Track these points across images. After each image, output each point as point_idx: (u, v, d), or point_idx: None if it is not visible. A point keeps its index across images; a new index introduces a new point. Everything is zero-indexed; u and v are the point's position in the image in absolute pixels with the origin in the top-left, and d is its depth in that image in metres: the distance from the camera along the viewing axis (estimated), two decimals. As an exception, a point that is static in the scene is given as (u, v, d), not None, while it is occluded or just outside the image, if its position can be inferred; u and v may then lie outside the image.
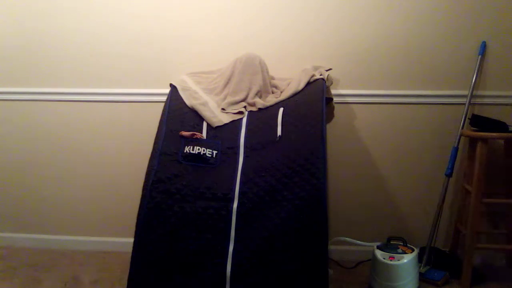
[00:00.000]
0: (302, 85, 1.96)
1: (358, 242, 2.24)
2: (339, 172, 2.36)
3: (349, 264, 2.29)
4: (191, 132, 1.79)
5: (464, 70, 2.24)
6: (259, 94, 2.01)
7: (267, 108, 1.90)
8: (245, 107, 1.93)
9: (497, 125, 2.03)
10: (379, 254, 1.97)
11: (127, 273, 1.58)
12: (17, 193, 2.54)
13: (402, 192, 2.35)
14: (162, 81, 2.36)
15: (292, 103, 1.88)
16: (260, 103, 1.92)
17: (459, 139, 2.19)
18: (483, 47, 2.20)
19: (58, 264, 2.29)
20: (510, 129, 2.04)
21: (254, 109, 1.92)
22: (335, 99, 2.27)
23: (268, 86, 2.07)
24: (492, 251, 2.28)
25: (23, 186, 2.53)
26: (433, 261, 2.16)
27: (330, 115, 2.31)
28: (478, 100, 2.25)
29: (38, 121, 2.47)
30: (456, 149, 2.18)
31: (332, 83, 2.22)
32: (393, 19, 2.24)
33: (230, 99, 1.96)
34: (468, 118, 2.18)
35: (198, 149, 1.73)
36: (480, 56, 2.20)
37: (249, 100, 1.96)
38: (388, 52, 2.26)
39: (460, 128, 2.19)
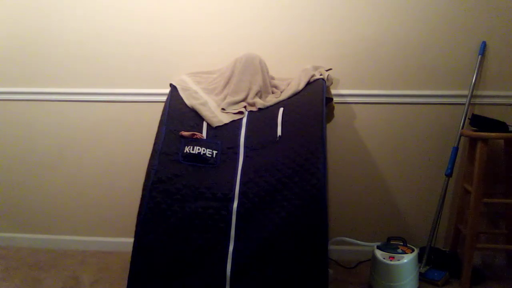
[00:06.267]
0: (302, 85, 1.96)
1: (358, 242, 2.24)
2: (339, 172, 2.36)
3: (349, 264, 2.29)
4: (191, 132, 1.79)
5: (464, 70, 2.24)
6: (259, 94, 2.00)
7: (267, 108, 1.90)
8: (245, 107, 1.93)
9: (497, 125, 2.03)
10: (379, 254, 1.97)
11: (127, 273, 1.58)
12: (17, 193, 2.54)
13: (402, 192, 2.35)
14: (162, 81, 2.37)
15: (292, 103, 1.88)
16: (260, 103, 1.92)
17: (459, 139, 2.19)
18: (483, 47, 2.20)
19: (58, 264, 2.29)
20: (510, 129, 2.04)
21: (254, 109, 1.92)
22: (335, 99, 2.27)
23: (268, 86, 2.07)
24: (492, 251, 2.28)
25: (23, 186, 2.53)
26: (433, 261, 2.16)
27: (330, 115, 2.31)
28: (478, 100, 2.25)
29: (38, 121, 2.47)
30: (456, 149, 2.18)
31: (332, 83, 2.23)
32: (393, 19, 2.24)
33: (230, 99, 1.96)
34: (468, 118, 2.18)
35: (198, 149, 1.73)
36: (480, 56, 2.20)
37: (249, 100, 1.96)
38: (388, 52, 2.27)
39: (460, 128, 2.19)
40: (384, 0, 2.23)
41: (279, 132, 1.75)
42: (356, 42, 2.27)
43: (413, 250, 1.98)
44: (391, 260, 1.92)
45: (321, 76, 1.99)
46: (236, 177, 1.66)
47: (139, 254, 1.58)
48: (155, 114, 2.35)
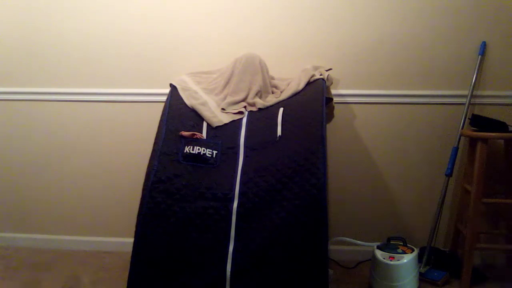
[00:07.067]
0: (302, 85, 1.96)
1: (358, 242, 2.24)
2: (339, 172, 2.36)
3: (349, 264, 2.29)
4: (191, 132, 1.79)
5: (464, 70, 2.24)
6: (259, 94, 2.01)
7: (267, 108, 1.90)
8: (245, 107, 1.93)
9: (497, 125, 2.03)
10: (379, 254, 1.97)
11: (127, 273, 1.58)
12: (17, 193, 2.54)
13: (402, 192, 2.35)
14: (162, 81, 2.37)
15: (292, 103, 1.88)
16: (260, 103, 1.92)
17: (459, 139, 2.19)
18: (483, 47, 2.20)
19: (58, 264, 2.29)
20: (510, 129, 2.04)
21: (254, 109, 1.92)
22: (335, 99, 2.27)
23: (268, 86, 2.07)
24: (492, 251, 2.28)
25: (23, 186, 2.53)
26: (433, 261, 2.16)
27: (330, 115, 2.31)
28: (478, 100, 2.25)
29: (38, 121, 2.47)
30: (456, 149, 2.18)
31: (332, 83, 2.23)
32: (393, 19, 2.24)
33: (230, 99, 1.96)
34: (468, 118, 2.18)
35: (198, 149, 1.73)
36: (480, 56, 2.20)
37: (249, 100, 1.96)
38: (388, 52, 2.27)
39: (460, 128, 2.19)
40: (384, 0, 2.24)
41: (279, 132, 1.75)
42: (356, 42, 2.27)
43: (413, 250, 1.98)
44: (391, 260, 1.92)
45: (321, 76, 1.99)
46: (236, 177, 1.66)
47: (139, 254, 1.58)
48: (155, 114, 2.35)
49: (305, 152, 1.65)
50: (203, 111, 1.87)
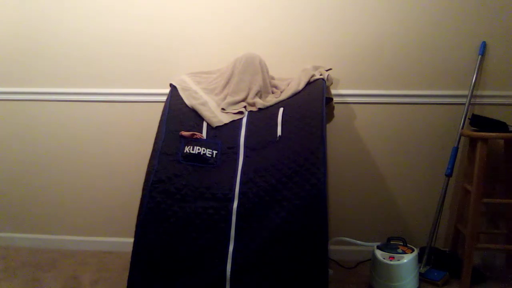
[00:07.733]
0: (302, 85, 1.96)
1: (358, 242, 2.24)
2: (339, 172, 2.36)
3: (349, 264, 2.29)
4: (191, 132, 1.79)
5: (464, 70, 2.24)
6: (259, 94, 2.01)
7: (267, 108, 1.90)
8: (245, 107, 1.93)
9: (497, 125, 2.03)
10: (379, 254, 1.97)
11: (127, 273, 1.58)
12: (17, 193, 2.54)
13: (402, 192, 2.35)
14: (162, 81, 2.37)
15: (292, 103, 1.88)
16: (260, 103, 1.92)
17: (459, 139, 2.19)
18: (483, 47, 2.20)
19: (58, 264, 2.29)
20: (510, 129, 2.04)
21: (254, 109, 1.92)
22: (335, 99, 2.27)
23: (268, 86, 2.07)
24: (492, 251, 2.28)
25: (23, 186, 2.53)
26: (433, 261, 2.16)
27: (330, 115, 2.31)
28: (478, 100, 2.25)
29: (38, 121, 2.47)
30: (456, 149, 2.18)
31: (332, 83, 2.23)
32: (393, 19, 2.24)
33: (230, 99, 1.96)
34: (468, 118, 2.18)
35: (198, 149, 1.73)
36: (480, 56, 2.20)
37: (249, 100, 1.96)
38: (388, 52, 2.27)
39: (460, 128, 2.19)
40: (384, 0, 2.24)
41: (279, 132, 1.75)
42: (356, 42, 2.27)
43: (413, 250, 1.98)
44: (391, 260, 1.92)
45: (321, 76, 1.99)
46: (236, 177, 1.66)
47: (139, 254, 1.58)
48: (155, 114, 2.35)
49: (305, 152, 1.65)
50: (203, 111, 1.87)
